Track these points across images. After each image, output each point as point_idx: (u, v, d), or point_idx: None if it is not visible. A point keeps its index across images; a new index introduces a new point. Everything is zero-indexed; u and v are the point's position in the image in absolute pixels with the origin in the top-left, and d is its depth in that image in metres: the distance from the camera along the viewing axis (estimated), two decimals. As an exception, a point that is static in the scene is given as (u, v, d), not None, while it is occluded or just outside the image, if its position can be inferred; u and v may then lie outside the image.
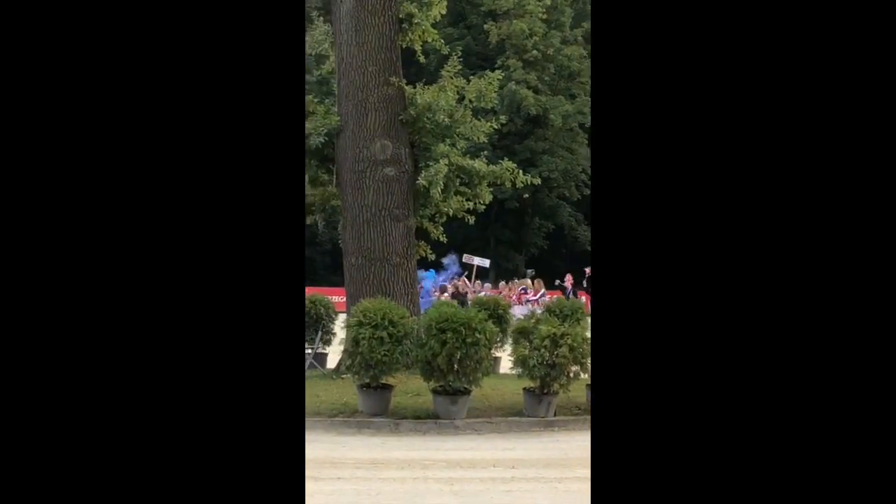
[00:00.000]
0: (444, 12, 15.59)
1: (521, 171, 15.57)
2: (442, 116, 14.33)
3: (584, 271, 26.91)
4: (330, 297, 17.01)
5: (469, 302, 17.80)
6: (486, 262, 25.80)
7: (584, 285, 25.39)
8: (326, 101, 15.70)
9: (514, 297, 23.24)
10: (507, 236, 41.01)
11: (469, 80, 15.52)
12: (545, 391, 10.71)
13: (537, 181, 16.92)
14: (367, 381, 10.73)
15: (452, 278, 25.41)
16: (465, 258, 24.72)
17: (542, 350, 10.56)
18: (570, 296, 23.62)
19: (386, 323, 10.68)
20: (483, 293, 23.38)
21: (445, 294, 22.44)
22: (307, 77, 39.97)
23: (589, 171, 38.87)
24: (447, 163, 14.36)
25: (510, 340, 11.54)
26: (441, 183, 14.12)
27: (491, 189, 15.64)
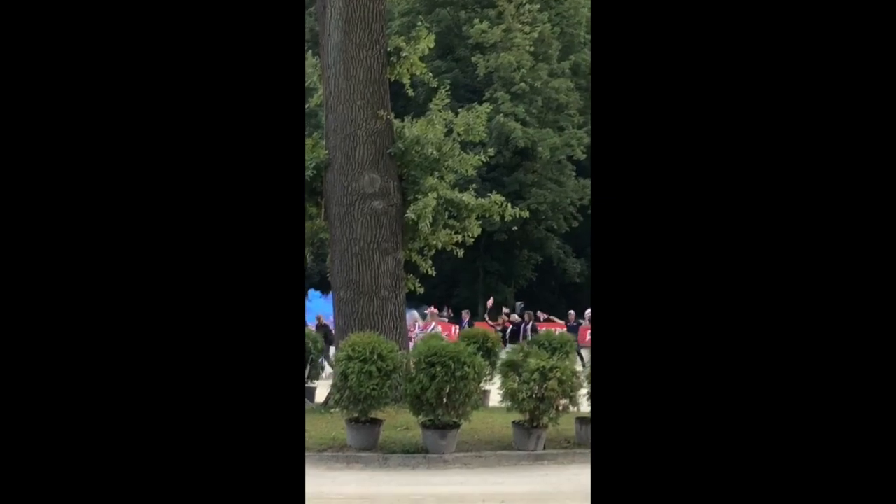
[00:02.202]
0: (432, 45, 15.65)
1: (509, 204, 15.60)
2: (430, 149, 14.35)
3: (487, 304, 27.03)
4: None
5: None
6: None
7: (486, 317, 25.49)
8: (315, 134, 15.73)
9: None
10: (495, 268, 40.93)
11: (457, 113, 15.56)
12: (534, 424, 10.66)
13: (526, 214, 16.94)
14: (356, 415, 10.67)
15: None
16: None
17: (532, 383, 10.52)
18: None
19: (375, 357, 10.63)
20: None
21: None
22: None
23: (577, 204, 38.87)
24: (436, 196, 14.37)
25: (499, 374, 11.47)
26: (430, 216, 14.12)
27: (479, 222, 15.65)
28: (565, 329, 23.22)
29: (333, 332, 18.59)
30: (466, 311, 27.41)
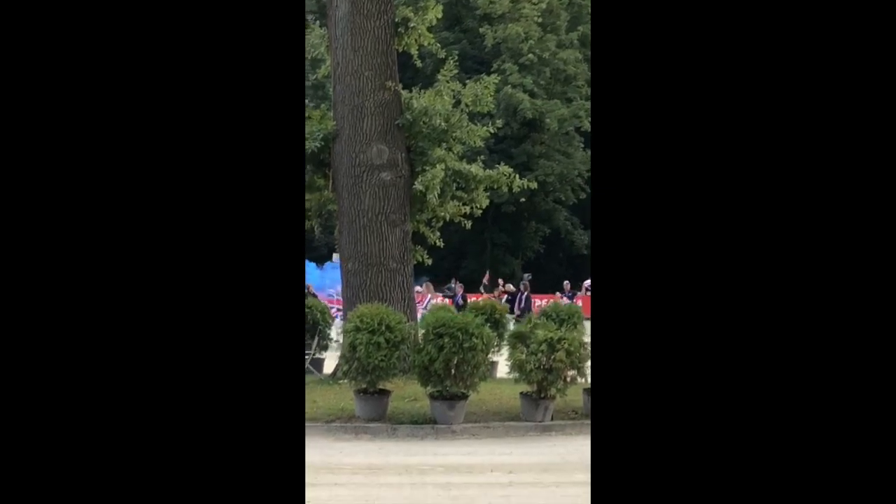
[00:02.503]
0: (439, 16, 15.58)
1: (517, 176, 15.60)
2: (438, 121, 14.32)
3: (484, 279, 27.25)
4: (326, 302, 17.03)
5: None
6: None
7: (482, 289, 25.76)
8: (322, 105, 15.72)
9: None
10: (503, 240, 40.95)
11: (465, 84, 15.51)
12: (542, 395, 10.69)
13: (534, 185, 16.94)
14: (365, 386, 10.72)
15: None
16: None
17: (539, 354, 10.55)
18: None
19: (383, 328, 10.66)
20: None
21: None
22: (303, 81, 40.20)
23: (585, 175, 38.77)
24: (444, 167, 14.38)
25: (507, 345, 11.50)
26: (438, 187, 14.14)
27: (487, 193, 15.65)
28: (561, 299, 23.45)
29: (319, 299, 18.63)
30: (460, 284, 27.37)
